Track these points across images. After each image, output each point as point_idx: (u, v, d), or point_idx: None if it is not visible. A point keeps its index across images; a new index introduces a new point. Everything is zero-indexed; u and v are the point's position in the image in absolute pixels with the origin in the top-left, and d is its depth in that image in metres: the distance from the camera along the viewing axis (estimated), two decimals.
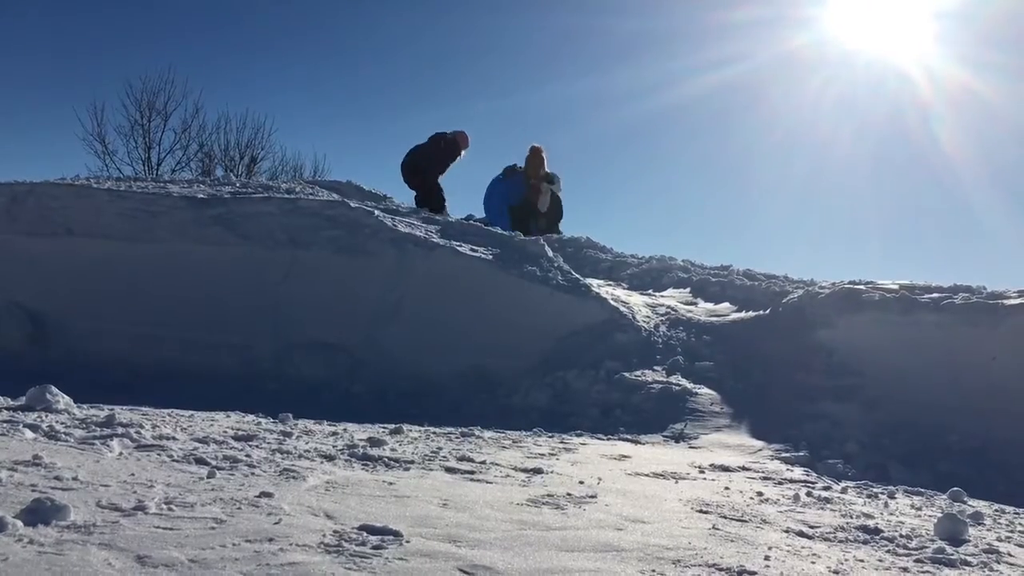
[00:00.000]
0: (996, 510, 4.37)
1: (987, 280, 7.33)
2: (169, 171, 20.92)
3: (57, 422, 4.30)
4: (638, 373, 6.98)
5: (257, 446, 4.25)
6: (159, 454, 3.81)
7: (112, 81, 36.27)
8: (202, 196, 8.64)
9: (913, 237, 35.42)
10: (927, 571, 2.97)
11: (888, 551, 3.18)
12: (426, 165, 11.37)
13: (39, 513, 2.58)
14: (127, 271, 7.93)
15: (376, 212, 8.64)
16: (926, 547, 3.24)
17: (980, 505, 4.43)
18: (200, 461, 3.72)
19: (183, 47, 33.29)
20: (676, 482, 4.35)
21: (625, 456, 5.07)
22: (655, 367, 7.15)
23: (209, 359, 7.45)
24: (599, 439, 5.81)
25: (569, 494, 3.71)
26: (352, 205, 8.69)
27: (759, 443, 5.84)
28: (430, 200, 11.14)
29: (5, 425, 4.07)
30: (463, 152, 11.75)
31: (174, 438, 4.20)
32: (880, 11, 23.70)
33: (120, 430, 4.19)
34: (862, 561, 2.99)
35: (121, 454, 3.75)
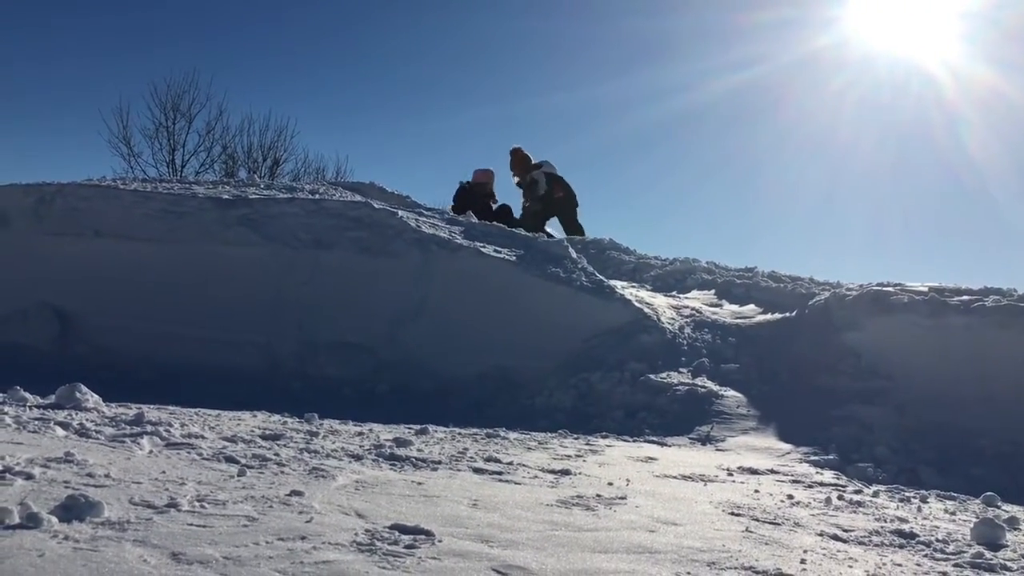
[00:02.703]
0: None
1: (1017, 283, 7.23)
2: (193, 173, 21.06)
3: (87, 420, 4.32)
4: (663, 375, 6.94)
5: (285, 445, 4.26)
6: (189, 452, 3.82)
7: (137, 84, 36.51)
8: (227, 197, 8.67)
9: (941, 240, 35.12)
10: None
11: (925, 555, 3.13)
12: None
13: (73, 510, 2.59)
14: (153, 271, 7.97)
15: (400, 213, 8.64)
16: (964, 552, 3.19)
17: (1015, 510, 4.36)
18: (230, 459, 3.73)
19: (207, 49, 33.56)
20: (705, 484, 4.31)
21: (652, 458, 5.04)
22: (680, 369, 7.10)
23: (234, 358, 7.48)
24: (625, 441, 5.77)
25: (599, 495, 3.68)
26: (376, 206, 8.70)
27: (787, 446, 5.78)
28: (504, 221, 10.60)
29: (36, 423, 4.10)
30: (489, 184, 11.31)
31: (203, 436, 4.21)
32: (904, 11, 23.51)
33: (149, 428, 4.21)
34: (900, 566, 2.95)
35: (151, 452, 3.76)
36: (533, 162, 11.08)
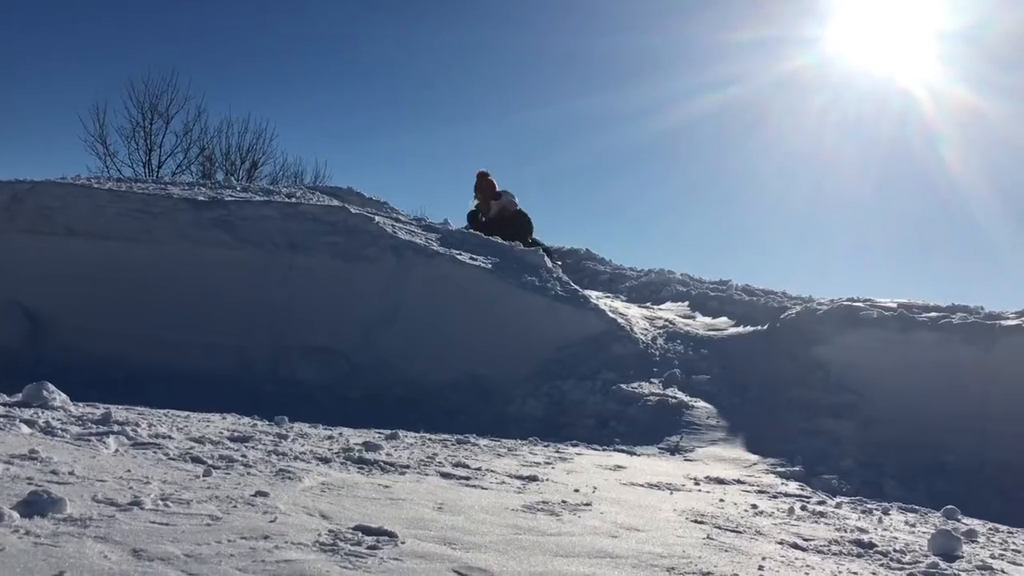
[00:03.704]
0: (990, 528, 4.37)
1: (993, 300, 7.38)
2: (170, 174, 20.92)
3: (53, 418, 4.30)
4: (635, 385, 6.99)
5: (253, 447, 4.25)
6: (155, 452, 3.81)
7: (115, 83, 36.25)
8: (203, 198, 8.65)
9: (918, 257, 35.50)
10: None
11: (882, 564, 3.18)
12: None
13: (35, 505, 2.58)
14: (126, 271, 7.93)
15: (376, 218, 8.65)
16: (920, 562, 3.25)
17: (974, 523, 4.43)
18: (196, 460, 3.72)
19: (186, 50, 33.37)
20: (671, 493, 4.35)
21: (620, 467, 5.08)
22: (652, 379, 7.15)
23: (206, 361, 7.44)
24: (594, 449, 5.81)
25: (564, 501, 3.71)
26: (353, 211, 8.71)
27: (754, 457, 5.84)
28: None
29: (1, 420, 4.07)
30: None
31: (170, 437, 4.20)
32: (883, 31, 23.78)
33: (116, 428, 4.19)
34: (856, 574, 3.00)
35: (117, 451, 3.75)
36: (497, 189, 10.95)
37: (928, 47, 23.03)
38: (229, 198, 8.78)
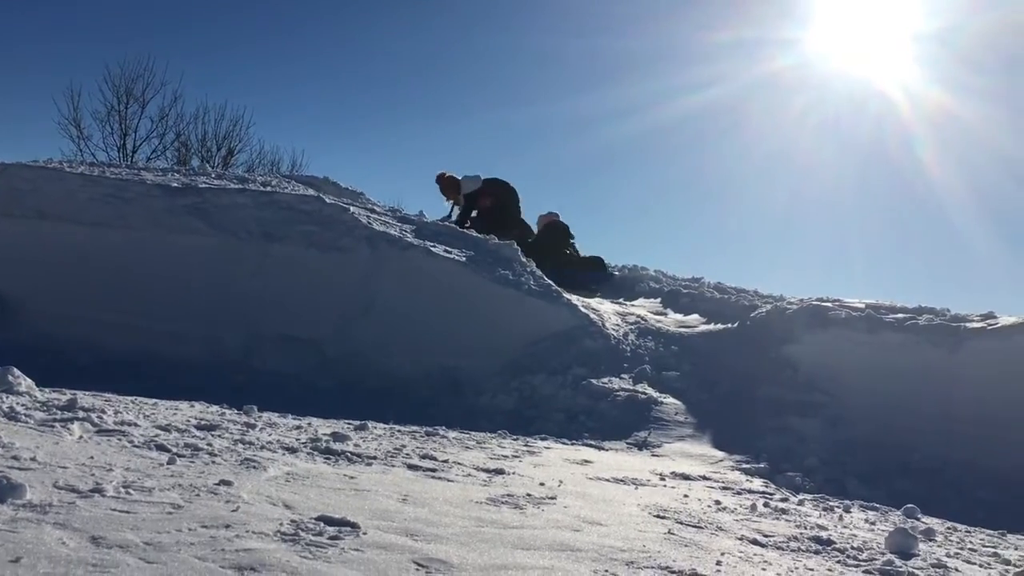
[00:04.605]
0: (948, 527, 4.45)
1: (965, 302, 7.47)
2: (144, 159, 20.74)
3: (18, 403, 4.27)
4: (605, 380, 7.03)
5: (219, 436, 4.24)
6: (119, 439, 3.79)
7: (90, 66, 35.82)
8: (176, 185, 8.59)
9: (893, 257, 35.85)
10: None
11: (838, 561, 3.23)
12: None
13: None
14: (97, 256, 7.87)
15: (351, 209, 8.64)
16: (876, 559, 3.30)
17: (933, 522, 4.51)
18: (161, 448, 3.71)
19: (164, 34, 33.02)
20: (636, 488, 4.39)
21: (588, 461, 5.11)
22: (622, 375, 7.19)
23: (177, 348, 7.40)
24: (563, 443, 5.84)
25: (529, 495, 3.74)
26: (327, 201, 8.68)
27: (721, 454, 5.90)
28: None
29: None
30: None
31: (136, 424, 4.18)
32: (861, 34, 24.01)
33: (81, 414, 4.17)
34: (812, 570, 3.05)
35: (81, 437, 3.74)
36: (460, 177, 11.10)
37: (904, 49, 23.28)
38: (203, 185, 8.73)
